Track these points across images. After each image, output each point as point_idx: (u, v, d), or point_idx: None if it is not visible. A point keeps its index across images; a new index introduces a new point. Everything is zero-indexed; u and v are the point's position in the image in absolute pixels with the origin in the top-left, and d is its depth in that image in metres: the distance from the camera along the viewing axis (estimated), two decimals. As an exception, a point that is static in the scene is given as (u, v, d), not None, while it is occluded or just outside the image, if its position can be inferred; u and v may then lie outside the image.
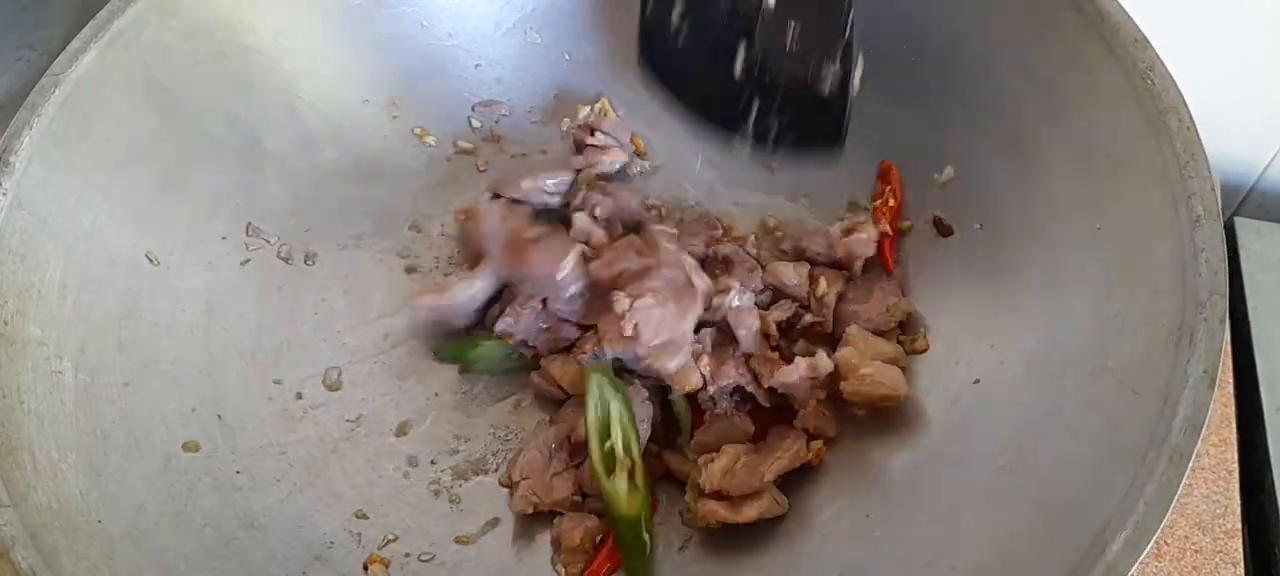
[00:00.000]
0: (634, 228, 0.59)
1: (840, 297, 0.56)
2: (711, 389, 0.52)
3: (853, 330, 0.54)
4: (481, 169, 0.65)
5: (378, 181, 0.63)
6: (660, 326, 0.51)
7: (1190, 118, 0.46)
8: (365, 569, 0.49)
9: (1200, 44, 0.66)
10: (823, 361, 0.51)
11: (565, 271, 0.54)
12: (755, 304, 0.55)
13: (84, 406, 0.47)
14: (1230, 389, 0.63)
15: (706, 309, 0.54)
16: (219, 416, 0.51)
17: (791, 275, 0.56)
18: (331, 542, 0.50)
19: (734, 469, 0.49)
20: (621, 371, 0.53)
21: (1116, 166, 0.48)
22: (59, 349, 0.47)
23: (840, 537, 0.49)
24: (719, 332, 0.55)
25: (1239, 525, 0.57)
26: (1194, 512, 0.58)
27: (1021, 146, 0.54)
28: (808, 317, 0.56)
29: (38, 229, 0.48)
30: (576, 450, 0.52)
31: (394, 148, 0.64)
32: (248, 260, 0.57)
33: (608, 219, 0.59)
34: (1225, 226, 0.51)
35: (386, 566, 0.50)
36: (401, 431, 0.55)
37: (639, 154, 0.66)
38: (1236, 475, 0.59)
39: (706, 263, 0.58)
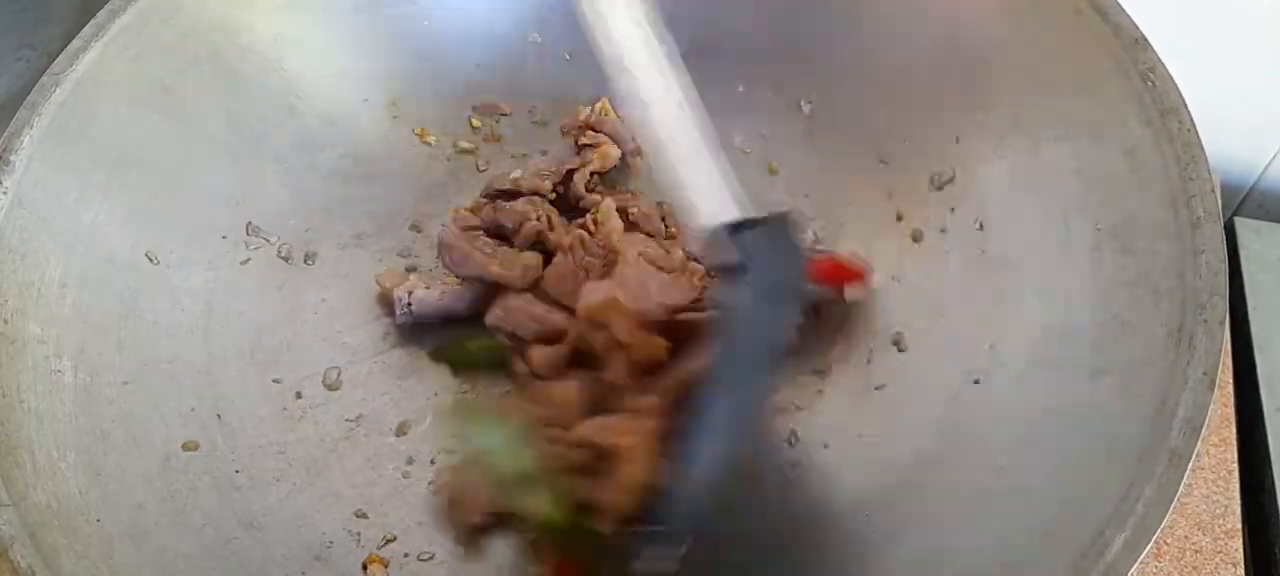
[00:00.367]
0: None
1: None
2: None
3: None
4: (481, 169, 0.65)
5: (378, 181, 0.63)
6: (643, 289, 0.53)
7: (1191, 119, 0.46)
8: (365, 569, 0.49)
9: (1200, 44, 0.66)
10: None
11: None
12: None
13: (83, 405, 0.47)
14: (1230, 388, 0.63)
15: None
16: (219, 416, 0.51)
17: None
18: (331, 542, 0.50)
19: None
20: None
21: (1116, 167, 0.48)
22: (58, 348, 0.47)
23: (838, 539, 0.49)
24: None
25: (1239, 525, 0.57)
26: (1194, 512, 0.58)
27: (1020, 146, 0.54)
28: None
29: (37, 228, 0.48)
30: None
31: (394, 148, 0.64)
32: (248, 260, 0.57)
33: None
34: (1225, 226, 0.51)
35: (386, 566, 0.50)
36: (401, 431, 0.55)
37: (639, 154, 0.66)
38: (1236, 475, 0.59)
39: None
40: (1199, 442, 0.39)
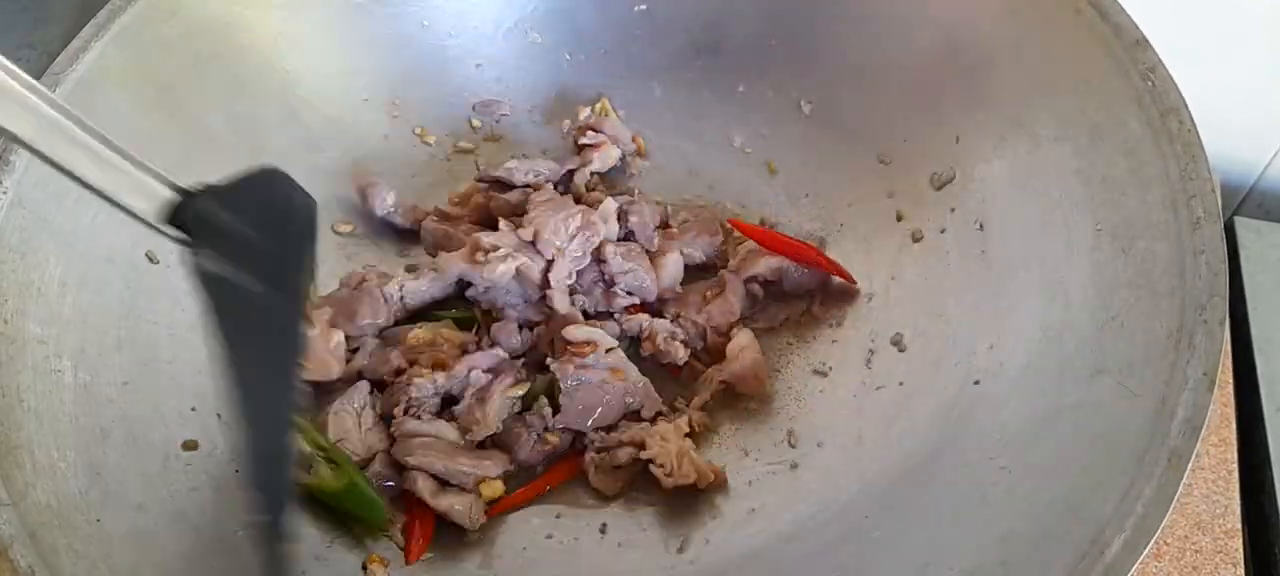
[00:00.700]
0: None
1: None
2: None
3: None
4: (482, 169, 0.65)
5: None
6: (556, 228, 0.56)
7: (1191, 119, 0.46)
8: (364, 568, 0.49)
9: (1200, 44, 0.66)
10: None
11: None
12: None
13: (83, 405, 0.47)
14: (1230, 388, 0.63)
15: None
16: (218, 416, 0.51)
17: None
18: (331, 542, 0.50)
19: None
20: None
21: (1116, 167, 0.48)
22: (58, 347, 0.47)
23: (838, 539, 0.48)
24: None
25: (1239, 525, 0.57)
26: (1194, 512, 0.58)
27: (1021, 147, 0.54)
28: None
29: (38, 227, 0.48)
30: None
31: (394, 147, 0.64)
32: (248, 259, 0.57)
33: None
34: (1225, 226, 0.51)
35: (386, 565, 0.50)
36: (401, 431, 0.55)
37: (640, 154, 0.66)
38: (1236, 475, 0.59)
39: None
40: (1199, 443, 0.39)
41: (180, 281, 0.53)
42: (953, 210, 0.57)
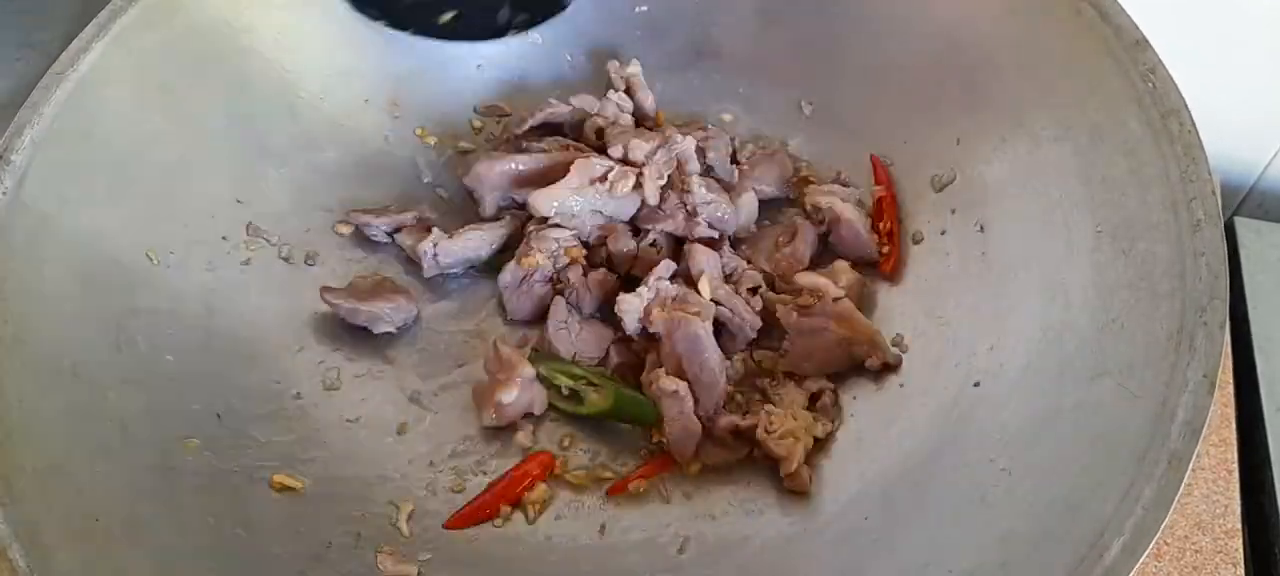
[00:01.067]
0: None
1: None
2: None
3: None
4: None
5: (378, 181, 0.63)
6: (637, 146, 0.58)
7: (1191, 120, 0.46)
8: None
9: (1200, 45, 0.66)
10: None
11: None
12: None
13: (83, 405, 0.47)
14: (1230, 389, 0.63)
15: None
16: (218, 416, 0.51)
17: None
18: (330, 542, 0.50)
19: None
20: None
21: (1117, 169, 0.48)
22: (58, 347, 0.47)
23: (838, 538, 0.49)
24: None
25: (1239, 525, 0.57)
26: (1194, 512, 0.58)
27: (1021, 147, 0.54)
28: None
29: (38, 227, 0.48)
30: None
31: (395, 148, 0.64)
32: (248, 260, 0.57)
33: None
34: (1225, 226, 0.51)
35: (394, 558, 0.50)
36: (401, 431, 0.55)
37: (659, 126, 0.66)
38: (1236, 475, 0.59)
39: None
40: (1199, 444, 0.39)
41: (180, 281, 0.54)
42: (953, 211, 0.57)
